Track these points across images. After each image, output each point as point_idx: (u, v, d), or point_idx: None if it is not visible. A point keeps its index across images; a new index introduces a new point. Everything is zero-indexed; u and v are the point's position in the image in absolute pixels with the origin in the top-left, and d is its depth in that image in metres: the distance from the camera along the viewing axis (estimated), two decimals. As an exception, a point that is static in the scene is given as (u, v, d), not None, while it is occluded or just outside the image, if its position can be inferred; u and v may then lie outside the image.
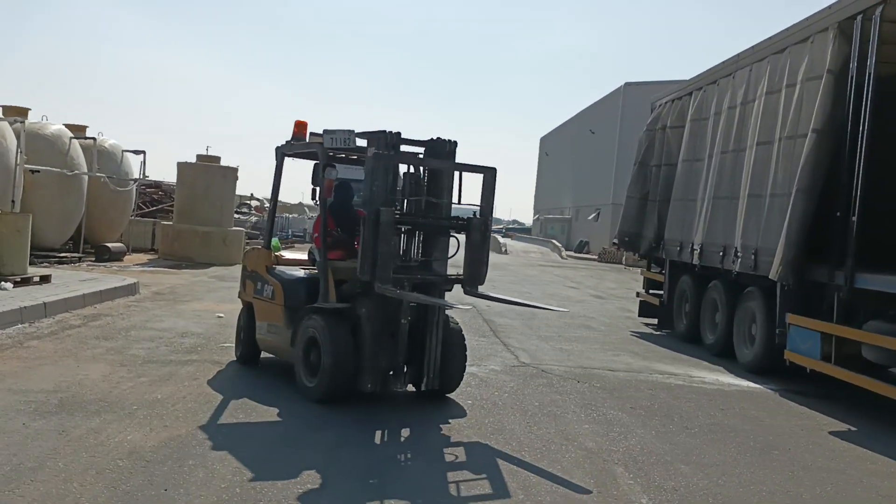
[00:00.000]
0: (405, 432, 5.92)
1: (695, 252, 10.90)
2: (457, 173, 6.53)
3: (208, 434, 5.36)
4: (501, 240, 48.30)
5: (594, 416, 6.79)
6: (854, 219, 7.48)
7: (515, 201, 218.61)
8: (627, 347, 11.00)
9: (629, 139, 42.84)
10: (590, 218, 51.54)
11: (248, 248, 9.82)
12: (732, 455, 5.92)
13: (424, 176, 6.57)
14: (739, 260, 9.44)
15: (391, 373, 6.46)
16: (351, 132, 6.35)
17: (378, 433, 5.79)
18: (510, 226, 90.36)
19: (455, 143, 6.62)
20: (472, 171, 6.50)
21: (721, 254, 10.12)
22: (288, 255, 8.26)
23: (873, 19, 7.46)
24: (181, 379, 6.99)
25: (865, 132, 7.44)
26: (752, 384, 8.79)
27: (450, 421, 6.26)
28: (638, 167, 13.75)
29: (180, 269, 18.39)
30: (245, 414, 6.04)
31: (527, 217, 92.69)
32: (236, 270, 18.98)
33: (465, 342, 7.11)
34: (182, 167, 21.93)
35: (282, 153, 7.59)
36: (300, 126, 7.13)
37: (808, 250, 8.18)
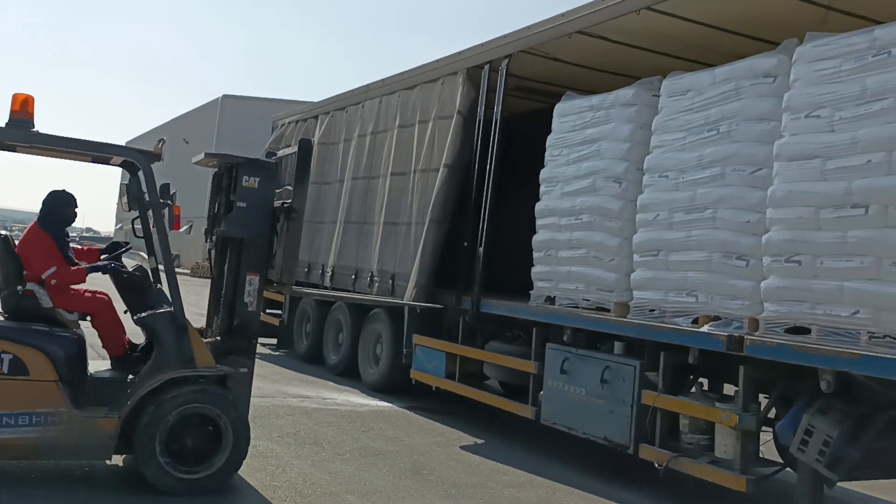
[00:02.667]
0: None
1: (326, 274, 11.03)
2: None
3: None
4: (82, 250, 43.90)
5: (246, 449, 6.44)
6: (481, 249, 8.21)
7: (90, 208, 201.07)
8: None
9: (225, 151, 42.19)
10: (182, 230, 49.62)
11: None
12: (389, 480, 6.06)
13: None
14: (377, 284, 9.76)
15: None
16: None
17: None
18: (84, 234, 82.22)
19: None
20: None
21: (353, 277, 10.37)
22: None
23: (500, 71, 8.30)
24: None
25: (492, 170, 8.24)
26: (381, 403, 9.13)
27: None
28: (260, 185, 13.52)
29: None
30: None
31: (107, 226, 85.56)
32: None
33: None
34: None
35: None
36: (24, 103, 4.98)
37: (437, 276, 8.77)
